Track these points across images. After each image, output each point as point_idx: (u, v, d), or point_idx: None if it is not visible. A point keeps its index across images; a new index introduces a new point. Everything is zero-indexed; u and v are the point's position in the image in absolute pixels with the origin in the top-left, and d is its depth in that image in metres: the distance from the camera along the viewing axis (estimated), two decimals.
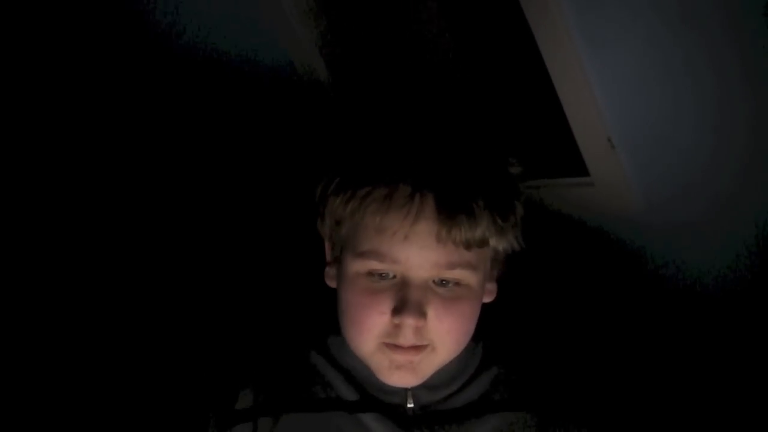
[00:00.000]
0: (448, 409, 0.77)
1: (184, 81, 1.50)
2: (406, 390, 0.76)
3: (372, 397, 0.76)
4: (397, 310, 0.68)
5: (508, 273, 0.80)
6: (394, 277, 0.70)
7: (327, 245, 0.79)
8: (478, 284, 0.72)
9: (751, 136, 0.83)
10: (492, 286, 0.79)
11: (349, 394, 0.77)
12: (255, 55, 1.40)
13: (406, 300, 0.68)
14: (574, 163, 1.01)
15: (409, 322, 0.68)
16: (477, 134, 0.77)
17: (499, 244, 0.72)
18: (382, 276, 0.70)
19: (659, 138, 0.91)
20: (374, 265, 0.69)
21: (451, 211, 0.67)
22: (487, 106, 1.21)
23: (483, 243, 0.70)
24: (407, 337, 0.69)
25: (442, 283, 0.70)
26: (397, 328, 0.69)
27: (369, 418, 0.75)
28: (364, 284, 0.70)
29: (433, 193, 0.68)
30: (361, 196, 0.69)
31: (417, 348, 0.71)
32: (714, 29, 0.77)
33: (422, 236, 0.67)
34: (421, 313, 0.69)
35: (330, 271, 0.78)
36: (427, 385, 0.76)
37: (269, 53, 1.36)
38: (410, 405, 0.76)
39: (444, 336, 0.71)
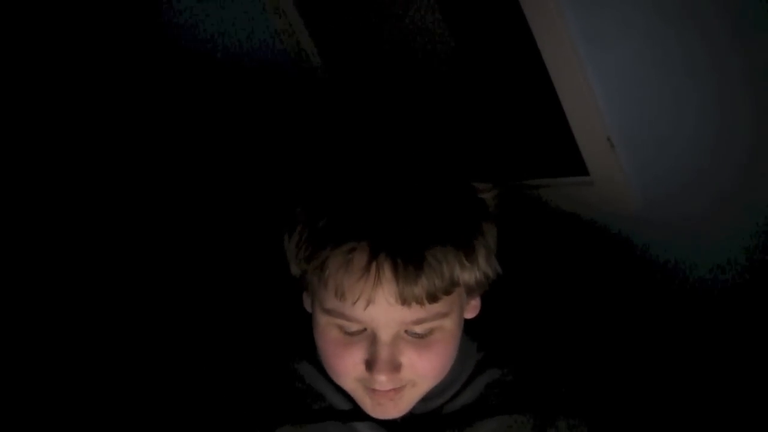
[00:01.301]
0: (443, 414, 0.76)
1: (180, 80, 1.50)
2: None
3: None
4: (369, 365, 0.68)
5: (508, 272, 0.79)
6: (365, 329, 0.69)
7: (302, 277, 0.76)
8: (453, 324, 0.71)
9: (751, 135, 0.83)
10: (476, 302, 0.77)
11: (341, 403, 0.77)
12: (250, 53, 1.39)
13: (376, 356, 0.68)
14: (573, 163, 1.01)
15: (381, 378, 0.68)
16: (440, 167, 0.74)
17: (471, 279, 0.69)
18: (352, 331, 0.69)
19: (659, 137, 0.91)
20: (342, 322, 0.69)
21: (410, 272, 0.65)
22: (486, 106, 1.21)
23: (450, 289, 0.68)
24: (383, 386, 0.69)
25: (414, 333, 0.69)
26: (371, 377, 0.69)
27: (363, 427, 0.75)
28: (335, 335, 0.70)
29: (390, 257, 0.65)
30: (322, 259, 0.67)
31: (395, 389, 0.70)
32: (715, 27, 0.77)
33: (385, 298, 0.66)
34: (394, 368, 0.68)
35: (306, 299, 0.77)
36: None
37: (267, 52, 1.36)
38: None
39: (422, 375, 0.71)
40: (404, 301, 0.66)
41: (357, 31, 1.30)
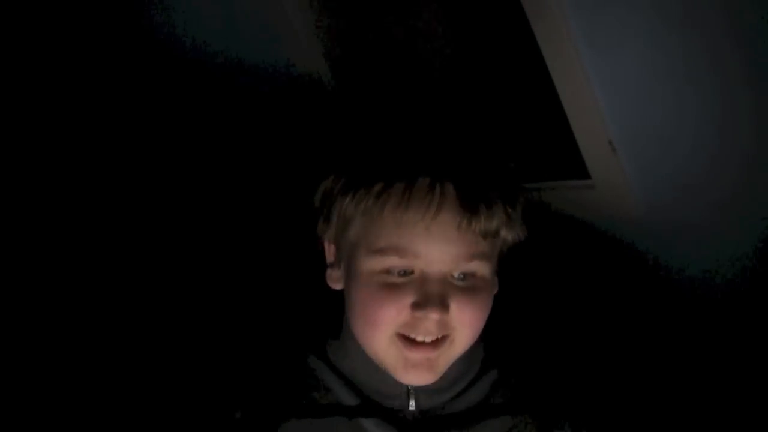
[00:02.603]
0: (449, 413, 0.76)
1: (185, 81, 1.50)
2: (407, 394, 0.75)
3: (372, 401, 0.76)
4: (419, 305, 0.67)
5: (510, 275, 0.80)
6: (412, 272, 0.68)
7: (329, 247, 0.77)
8: (491, 275, 0.72)
9: (753, 139, 0.84)
10: (495, 279, 0.78)
11: (348, 398, 0.76)
12: (255, 55, 1.39)
13: (428, 294, 0.67)
14: (575, 166, 1.01)
15: (433, 316, 0.67)
16: (481, 129, 0.78)
17: (509, 234, 0.72)
18: (399, 273, 0.69)
19: (660, 141, 0.92)
20: (393, 261, 0.68)
21: (472, 200, 0.67)
22: (489, 109, 1.21)
23: (497, 233, 0.70)
24: (430, 330, 0.69)
25: (460, 276, 0.70)
26: (417, 321, 0.68)
27: (369, 423, 0.74)
28: (381, 281, 0.69)
29: (453, 184, 0.67)
30: (377, 192, 0.67)
31: (434, 343, 0.70)
32: (716, 31, 0.78)
33: (444, 227, 0.67)
34: (445, 306, 0.67)
35: (333, 273, 0.77)
36: (429, 389, 0.75)
37: (270, 54, 1.36)
38: (411, 408, 0.75)
39: (464, 327, 0.70)
40: (460, 229, 0.67)
41: (360, 32, 1.30)
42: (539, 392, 0.80)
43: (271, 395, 0.77)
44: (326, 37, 1.28)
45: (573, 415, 0.79)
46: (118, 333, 1.39)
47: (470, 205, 0.67)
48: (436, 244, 0.67)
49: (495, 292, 0.75)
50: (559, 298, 1.20)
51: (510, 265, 0.80)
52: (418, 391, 0.75)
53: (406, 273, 0.68)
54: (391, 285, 0.68)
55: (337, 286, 0.76)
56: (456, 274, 0.69)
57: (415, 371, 0.70)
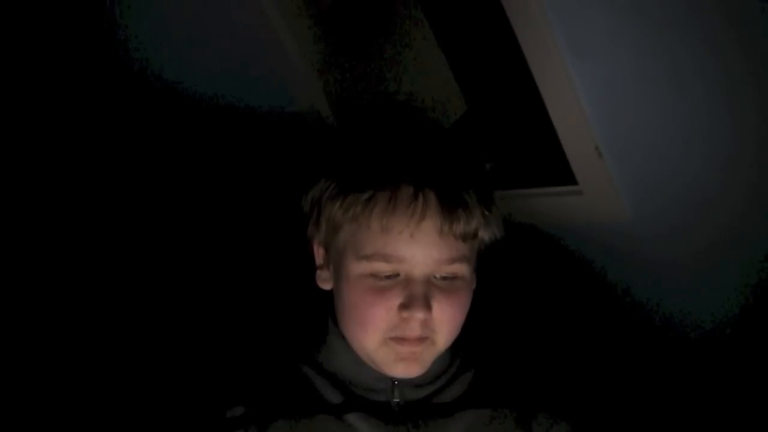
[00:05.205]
0: (431, 405, 0.79)
1: (180, 86, 1.50)
2: (392, 388, 0.78)
3: (358, 397, 0.78)
4: (405, 306, 0.71)
5: (497, 278, 0.81)
6: (398, 275, 0.73)
7: (318, 249, 0.80)
8: (470, 275, 0.76)
9: (739, 143, 0.84)
10: (474, 276, 0.81)
11: (334, 397, 0.79)
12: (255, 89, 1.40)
13: (413, 295, 0.71)
14: (562, 172, 1.02)
15: (418, 315, 0.71)
16: (458, 133, 0.80)
17: (486, 234, 0.76)
18: (385, 276, 0.72)
19: (647, 146, 0.92)
20: (380, 266, 0.72)
21: (452, 206, 0.71)
22: (475, 116, 1.22)
23: (475, 235, 0.74)
24: (415, 329, 0.72)
25: (442, 277, 0.73)
26: (404, 321, 0.72)
27: (354, 418, 0.77)
28: (369, 284, 0.73)
29: (435, 191, 0.71)
30: (365, 200, 0.71)
31: (420, 339, 0.74)
32: (702, 37, 0.78)
33: (427, 233, 0.71)
34: (428, 306, 0.72)
35: (323, 274, 0.80)
36: (413, 383, 0.79)
37: (270, 88, 1.36)
38: (396, 400, 0.78)
39: (445, 326, 0.74)
40: (442, 233, 0.71)
41: (354, 56, 1.31)
42: (518, 385, 0.83)
43: (260, 398, 0.79)
44: (324, 70, 1.29)
45: (549, 405, 0.82)
46: (113, 337, 1.40)
47: (450, 211, 0.71)
48: (420, 249, 0.71)
49: (473, 287, 0.79)
50: (546, 300, 1.20)
51: (497, 269, 0.81)
52: (403, 385, 0.78)
53: (392, 276, 0.72)
54: (378, 288, 0.72)
55: (327, 286, 0.80)
56: (438, 276, 0.73)
57: (404, 364, 0.75)
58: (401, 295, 0.72)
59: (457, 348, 0.82)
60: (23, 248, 1.44)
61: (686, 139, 0.88)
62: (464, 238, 0.72)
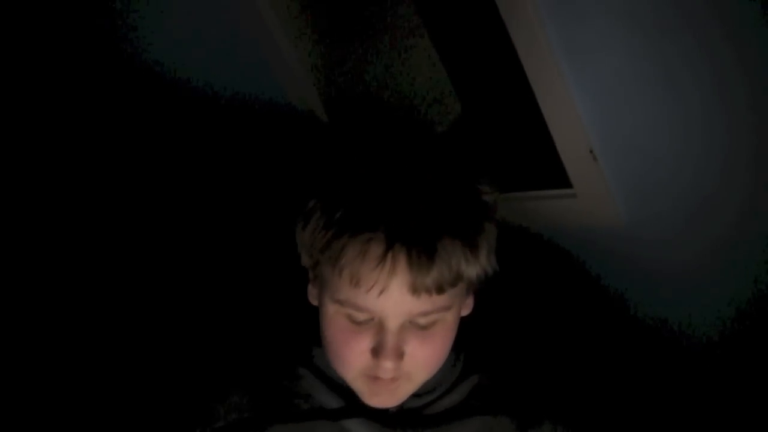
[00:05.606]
0: (430, 413, 0.79)
1: (178, 91, 1.50)
2: None
3: (357, 402, 0.78)
4: (376, 352, 0.71)
5: (490, 284, 0.80)
6: (372, 318, 0.71)
7: (307, 264, 0.78)
8: (453, 317, 0.74)
9: (734, 146, 0.84)
10: (469, 300, 0.80)
11: (332, 402, 0.79)
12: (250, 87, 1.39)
13: (383, 344, 0.70)
14: (556, 175, 1.02)
15: (387, 365, 0.70)
16: (450, 162, 0.76)
17: (473, 273, 0.72)
18: (361, 319, 0.71)
19: (642, 149, 0.92)
20: (352, 312, 0.71)
21: (425, 260, 0.67)
22: (470, 120, 1.22)
23: (456, 281, 0.70)
24: (387, 372, 0.72)
25: (418, 324, 0.72)
26: (376, 365, 0.72)
27: (352, 424, 0.77)
28: (343, 324, 0.72)
29: (406, 245, 0.67)
30: (338, 248, 0.69)
31: (393, 379, 0.73)
32: (697, 40, 0.78)
33: (398, 289, 0.68)
34: (399, 355, 0.71)
35: (312, 290, 0.79)
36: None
37: (264, 85, 1.36)
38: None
39: (420, 367, 0.74)
40: (415, 290, 0.68)
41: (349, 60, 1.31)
42: (519, 392, 0.83)
43: (257, 403, 0.79)
44: (319, 71, 1.29)
45: (551, 412, 0.82)
46: (111, 338, 1.41)
47: (422, 266, 0.67)
48: (391, 306, 0.69)
49: (467, 312, 0.78)
50: (541, 306, 1.20)
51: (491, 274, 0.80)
52: None
53: (366, 319, 0.71)
54: (352, 330, 0.72)
55: (315, 302, 0.79)
56: (413, 321, 0.71)
57: (378, 398, 0.75)
58: (373, 340, 0.71)
59: (458, 355, 0.82)
60: (21, 243, 1.45)
61: (681, 142, 0.87)
62: (440, 290, 0.69)
